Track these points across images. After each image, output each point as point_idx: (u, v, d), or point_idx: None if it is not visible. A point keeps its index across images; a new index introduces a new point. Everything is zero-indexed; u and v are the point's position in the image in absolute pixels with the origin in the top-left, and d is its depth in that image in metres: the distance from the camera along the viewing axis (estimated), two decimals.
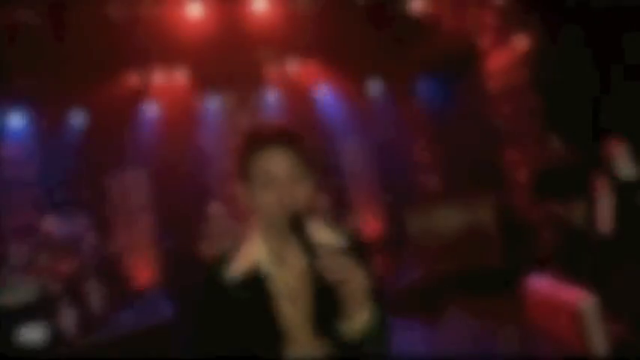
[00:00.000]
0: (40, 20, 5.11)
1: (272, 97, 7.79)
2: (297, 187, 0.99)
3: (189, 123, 7.10)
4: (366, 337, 0.90)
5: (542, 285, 3.18)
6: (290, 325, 1.00)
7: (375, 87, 8.12)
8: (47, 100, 6.07)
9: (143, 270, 6.25)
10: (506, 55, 6.35)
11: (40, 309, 3.93)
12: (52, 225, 4.94)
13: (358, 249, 1.08)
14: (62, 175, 6.09)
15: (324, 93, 8.06)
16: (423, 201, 7.27)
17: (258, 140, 1.00)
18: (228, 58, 6.86)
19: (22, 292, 3.92)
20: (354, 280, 0.86)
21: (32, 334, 3.76)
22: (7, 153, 6.15)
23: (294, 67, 7.47)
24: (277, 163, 0.98)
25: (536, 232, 5.37)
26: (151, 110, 6.93)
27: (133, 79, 6.52)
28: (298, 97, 7.80)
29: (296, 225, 0.94)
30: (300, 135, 1.03)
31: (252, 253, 1.04)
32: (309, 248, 0.90)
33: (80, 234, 5.06)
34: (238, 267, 1.04)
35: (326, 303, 0.88)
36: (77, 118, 6.54)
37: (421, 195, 7.74)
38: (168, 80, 6.73)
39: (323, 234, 1.07)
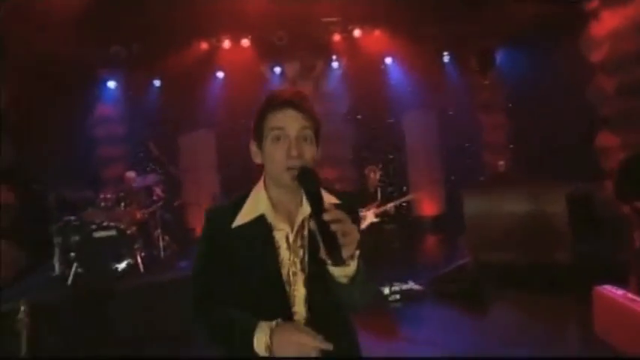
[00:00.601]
0: None
1: (336, 66, 7.74)
2: (304, 145, 1.05)
3: (253, 90, 7.42)
4: (355, 283, 0.99)
5: (615, 293, 2.97)
6: (288, 272, 1.07)
7: (446, 57, 7.59)
8: (134, 66, 6.79)
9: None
10: (617, 18, 5.40)
11: (119, 245, 4.72)
12: (132, 178, 5.71)
13: (350, 210, 1.09)
14: (143, 133, 6.89)
15: (391, 63, 7.77)
16: (486, 184, 6.78)
17: (274, 102, 1.07)
18: (293, 27, 6.95)
19: (106, 229, 4.73)
20: (351, 233, 0.93)
21: (113, 263, 4.64)
22: (102, 113, 7.14)
23: (361, 36, 7.26)
24: (289, 122, 1.04)
25: (624, 230, 4.71)
26: (219, 76, 7.36)
27: (203, 47, 6.96)
28: (364, 67, 7.64)
29: (305, 177, 0.99)
30: (311, 103, 1.09)
31: (258, 206, 1.11)
32: (317, 199, 0.95)
33: (152, 187, 5.75)
34: (243, 217, 1.11)
35: (321, 251, 0.93)
36: (157, 83, 7.24)
37: (485, 177, 7.24)
38: (235, 48, 7.04)
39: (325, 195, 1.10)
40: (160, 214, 5.64)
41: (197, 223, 7.04)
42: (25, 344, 2.86)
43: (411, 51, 7.26)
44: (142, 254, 4.95)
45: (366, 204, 5.35)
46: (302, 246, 1.09)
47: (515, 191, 5.82)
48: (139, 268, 4.75)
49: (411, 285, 5.03)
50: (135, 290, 4.25)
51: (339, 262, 0.93)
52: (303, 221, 1.10)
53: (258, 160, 1.12)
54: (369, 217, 5.43)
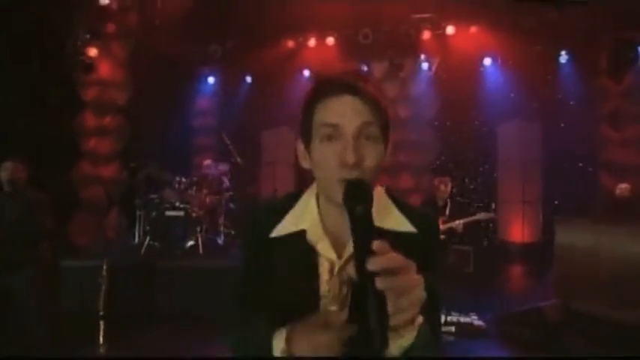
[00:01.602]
0: None
1: (426, 67, 7.17)
2: (366, 146, 0.78)
3: None
4: (410, 352, 0.72)
5: None
6: (325, 310, 0.84)
7: (563, 57, 6.34)
8: (229, 63, 7.40)
9: None
10: None
11: (185, 226, 5.15)
12: (207, 165, 6.14)
13: (430, 240, 0.89)
14: (228, 126, 7.43)
15: (491, 65, 6.85)
16: (596, 212, 5.51)
17: (323, 88, 0.82)
18: (379, 24, 6.69)
19: (176, 209, 5.21)
20: (410, 291, 0.64)
21: (178, 241, 5.07)
22: (199, 106, 7.95)
23: (455, 34, 6.58)
24: (345, 116, 0.78)
25: None
26: (305, 74, 7.50)
27: (290, 45, 7.17)
28: (457, 68, 6.92)
29: (352, 194, 0.71)
30: (377, 86, 0.82)
31: (302, 217, 0.89)
32: (363, 230, 0.67)
33: (222, 177, 6.04)
34: (283, 228, 0.89)
35: (366, 305, 0.65)
36: (249, 79, 7.73)
37: (598, 203, 5.87)
38: (320, 47, 7.08)
39: (389, 215, 0.89)
40: (225, 202, 5.94)
41: None
42: (102, 296, 3.64)
43: (517, 50, 6.30)
44: (204, 237, 5.27)
45: None
46: (349, 281, 0.84)
47: (634, 227, 4.55)
48: (198, 250, 5.03)
49: (473, 319, 4.39)
50: (189, 268, 4.59)
51: (382, 343, 0.64)
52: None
53: (305, 164, 0.87)
54: None
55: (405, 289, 0.63)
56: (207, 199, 5.75)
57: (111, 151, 7.08)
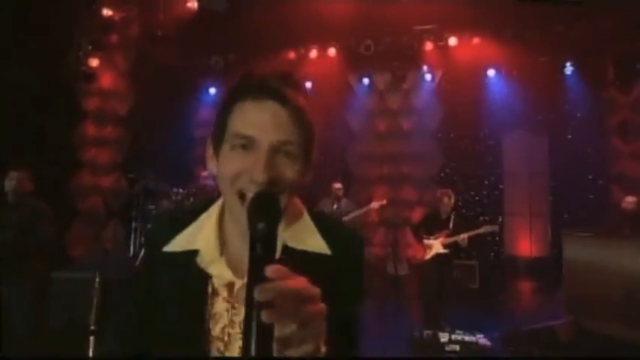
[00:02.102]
0: (223, 6, 6.19)
1: (429, 78, 7.09)
2: (281, 164, 0.68)
3: (339, 100, 7.30)
4: None
5: None
6: (224, 329, 0.76)
7: (569, 69, 6.23)
8: (230, 75, 7.39)
9: None
10: None
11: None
12: (206, 178, 6.10)
13: (348, 263, 0.79)
14: None
15: (494, 76, 6.75)
16: (605, 227, 5.29)
17: (246, 88, 0.72)
18: (381, 36, 6.66)
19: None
20: (303, 325, 0.54)
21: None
22: (201, 118, 7.92)
23: (457, 45, 6.52)
24: (261, 125, 0.68)
25: None
26: (307, 86, 7.46)
27: (291, 57, 7.16)
28: (460, 79, 6.83)
29: (258, 209, 0.60)
30: (302, 88, 0.74)
31: (198, 234, 0.79)
32: (259, 253, 0.56)
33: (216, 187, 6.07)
34: (178, 243, 0.80)
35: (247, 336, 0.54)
36: None
37: (607, 218, 5.66)
38: (322, 58, 7.05)
39: (305, 235, 0.78)
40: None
41: None
42: (94, 309, 3.51)
43: (521, 61, 6.20)
44: None
45: (434, 231, 4.77)
46: (239, 312, 0.75)
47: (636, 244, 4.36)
48: None
49: (478, 338, 4.13)
50: None
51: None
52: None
53: (212, 168, 0.76)
54: (436, 246, 4.83)
55: (303, 320, 0.53)
56: None
57: (110, 162, 7.06)
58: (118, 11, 6.28)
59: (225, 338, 0.76)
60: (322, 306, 0.56)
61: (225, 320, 0.77)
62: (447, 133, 7.18)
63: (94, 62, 6.48)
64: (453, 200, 4.83)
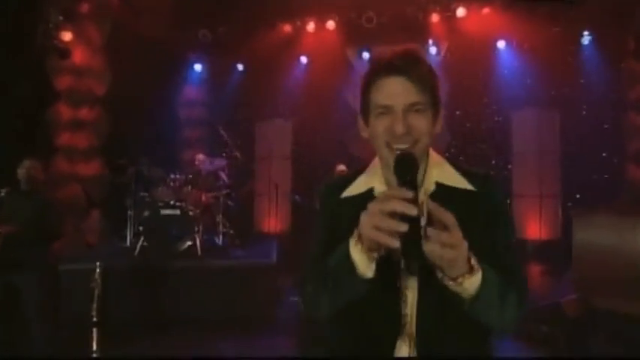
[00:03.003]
0: None
1: (435, 52, 6.64)
2: (416, 120, 0.90)
3: (338, 77, 6.80)
4: (478, 302, 0.83)
5: None
6: (399, 265, 0.92)
7: (586, 39, 5.86)
8: (219, 50, 6.78)
9: (267, 216, 6.60)
10: None
11: (181, 225, 4.79)
12: (202, 161, 5.67)
13: (490, 198, 0.97)
14: (222, 117, 6.84)
15: (505, 48, 6.35)
16: (619, 207, 5.08)
17: (378, 69, 0.93)
18: (384, 7, 6.17)
19: (171, 207, 4.82)
20: (450, 253, 0.76)
21: (175, 242, 4.74)
22: (187, 96, 7.32)
23: (465, 16, 6.06)
24: (393, 95, 0.90)
25: None
26: (303, 61, 6.93)
27: (287, 30, 6.60)
28: (468, 53, 6.42)
29: (401, 166, 0.84)
30: (422, 61, 0.92)
31: (371, 179, 1.02)
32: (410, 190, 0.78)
33: (218, 173, 5.64)
34: (354, 189, 1.03)
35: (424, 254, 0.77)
36: (240, 67, 7.14)
37: (622, 197, 5.43)
38: (320, 31, 6.52)
39: (447, 174, 0.99)
40: (223, 200, 5.55)
41: (261, 216, 6.73)
42: (96, 301, 3.37)
43: (534, 32, 5.80)
44: (202, 237, 4.93)
45: None
46: None
47: None
48: (197, 250, 4.73)
49: None
50: (189, 271, 4.34)
51: (414, 270, 0.83)
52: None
53: (365, 134, 1.01)
54: None
55: (447, 244, 0.76)
56: (204, 197, 5.38)
57: (89, 147, 6.44)
58: None
59: (402, 275, 0.92)
60: (459, 233, 0.77)
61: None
62: (453, 111, 6.78)
63: (67, 36, 5.80)
64: None
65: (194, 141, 7.23)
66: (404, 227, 0.74)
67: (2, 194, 3.19)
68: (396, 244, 0.75)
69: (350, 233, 0.88)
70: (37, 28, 5.53)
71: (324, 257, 0.92)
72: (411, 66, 0.89)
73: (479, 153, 6.60)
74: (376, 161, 1.02)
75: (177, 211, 4.78)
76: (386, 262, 0.87)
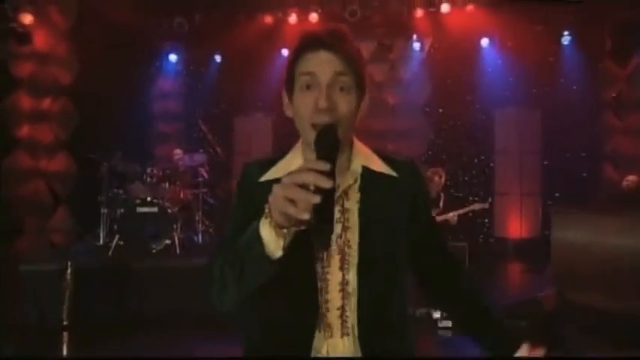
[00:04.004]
0: None
1: (418, 48, 6.58)
2: (339, 96, 0.87)
3: None
4: None
5: None
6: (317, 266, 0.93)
7: (566, 39, 5.94)
8: (195, 40, 6.49)
9: None
10: None
11: (159, 223, 4.60)
12: (180, 156, 5.46)
13: (411, 183, 1.00)
14: (199, 111, 6.56)
15: (488, 46, 6.36)
16: (596, 205, 5.23)
17: (305, 43, 0.90)
18: (369, 0, 6.05)
19: (149, 205, 4.62)
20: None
21: (152, 240, 4.55)
22: (161, 88, 6.99)
23: (450, 12, 6.02)
24: (320, 66, 0.87)
25: None
26: (284, 54, 6.70)
27: (267, 21, 6.38)
28: (452, 49, 6.40)
29: (322, 138, 0.82)
30: (349, 40, 0.90)
31: (291, 162, 0.97)
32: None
33: (198, 169, 5.42)
34: (273, 173, 0.98)
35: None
36: (218, 59, 6.87)
37: (603, 196, 5.55)
38: (302, 23, 6.33)
39: (372, 159, 0.99)
40: (202, 197, 5.40)
41: None
42: (67, 302, 3.37)
43: (516, 30, 5.83)
44: (180, 235, 4.78)
45: None
46: (340, 221, 0.92)
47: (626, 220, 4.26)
48: (175, 249, 4.59)
49: None
50: (166, 270, 4.22)
51: (324, 245, 0.89)
52: (344, 191, 0.94)
53: (289, 112, 0.96)
54: None
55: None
56: (182, 194, 5.18)
57: (54, 140, 6.04)
58: None
59: (324, 258, 0.93)
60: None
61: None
62: (436, 108, 6.75)
63: (27, 18, 5.37)
64: (443, 179, 4.87)
65: (170, 135, 6.92)
66: (315, 199, 0.70)
67: None
68: (305, 216, 0.71)
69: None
70: None
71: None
72: (339, 42, 0.88)
73: (461, 152, 6.61)
74: (298, 144, 0.99)
75: (155, 209, 4.62)
76: (301, 244, 0.82)
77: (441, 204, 4.82)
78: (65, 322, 3.24)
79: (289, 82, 0.93)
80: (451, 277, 1.06)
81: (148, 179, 4.89)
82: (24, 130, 5.75)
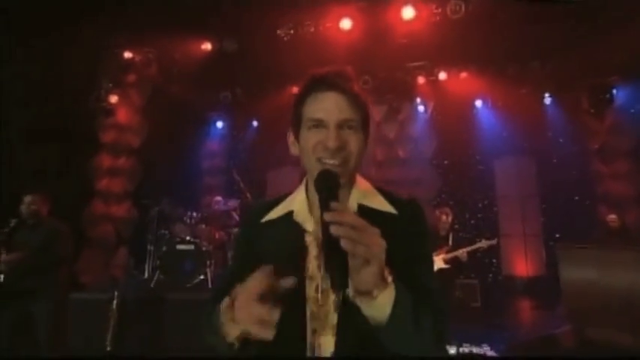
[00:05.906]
0: (234, 47, 6.72)
1: (422, 109, 7.60)
2: (347, 135, 0.90)
3: None
4: (392, 328, 0.76)
5: None
6: (317, 288, 0.88)
7: (547, 99, 6.78)
8: (237, 109, 7.86)
9: None
10: None
11: (195, 259, 5.10)
12: (217, 203, 6.37)
13: (411, 222, 0.95)
14: (237, 165, 7.73)
15: (482, 106, 7.28)
16: (595, 242, 5.55)
17: (313, 85, 0.94)
18: (378, 72, 7.18)
19: (187, 243, 5.20)
20: (367, 244, 0.71)
21: (188, 275, 5.00)
22: (209, 149, 8.35)
23: (447, 79, 7.06)
24: (327, 110, 0.90)
25: None
26: None
27: (294, 92, 7.60)
28: (451, 110, 7.33)
29: (323, 179, 0.84)
30: (355, 80, 0.94)
31: (292, 202, 0.99)
32: (326, 205, 0.76)
33: (231, 212, 6.26)
34: (275, 213, 0.99)
35: (341, 271, 0.70)
36: (254, 124, 8.17)
37: (596, 234, 5.95)
38: None
39: (371, 197, 0.97)
40: (234, 237, 5.96)
41: None
42: (111, 330, 3.68)
43: (505, 93, 6.72)
44: (214, 271, 5.22)
45: (434, 248, 4.93)
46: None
47: (629, 255, 4.59)
48: (207, 284, 4.97)
49: (486, 349, 4.32)
50: (200, 303, 4.44)
51: (340, 284, 0.73)
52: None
53: (294, 150, 1.00)
54: (437, 262, 4.99)
55: (357, 239, 0.71)
56: (217, 234, 5.82)
57: (122, 191, 7.30)
58: (138, 54, 6.82)
59: (319, 298, 0.87)
60: (383, 241, 0.72)
61: (318, 277, 0.88)
62: (442, 160, 7.56)
63: (113, 99, 6.92)
64: (450, 218, 5.13)
65: (214, 187, 8.09)
66: (276, 315, 0.71)
67: (12, 224, 3.29)
68: (270, 336, 0.71)
69: (263, 259, 0.84)
70: (92, 94, 6.72)
71: (232, 286, 0.85)
72: (345, 83, 0.90)
73: (467, 197, 7.27)
74: (300, 186, 1.02)
75: (192, 247, 5.04)
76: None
77: (450, 241, 5.00)
78: (109, 348, 3.40)
79: (296, 121, 0.95)
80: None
81: (188, 221, 5.44)
82: (103, 183, 7.10)
